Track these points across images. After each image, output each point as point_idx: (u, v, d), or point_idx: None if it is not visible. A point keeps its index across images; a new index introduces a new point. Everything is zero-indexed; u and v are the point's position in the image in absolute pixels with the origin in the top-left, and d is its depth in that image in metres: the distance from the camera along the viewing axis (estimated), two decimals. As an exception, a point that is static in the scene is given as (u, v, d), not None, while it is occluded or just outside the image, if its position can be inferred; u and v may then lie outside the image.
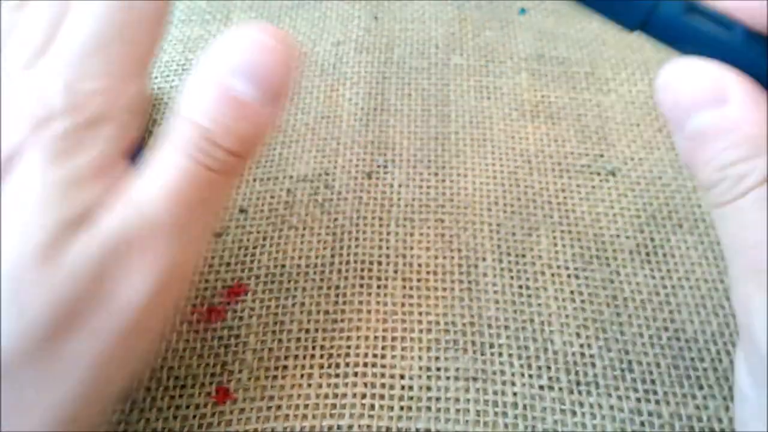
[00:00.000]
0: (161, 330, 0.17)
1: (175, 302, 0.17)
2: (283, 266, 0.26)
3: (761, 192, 0.15)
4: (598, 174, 0.29)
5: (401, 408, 0.22)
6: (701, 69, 0.16)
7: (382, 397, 0.22)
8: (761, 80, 0.16)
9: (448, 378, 0.23)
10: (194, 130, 0.16)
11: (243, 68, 0.16)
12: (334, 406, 0.22)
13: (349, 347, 0.23)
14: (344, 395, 0.22)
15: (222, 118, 0.16)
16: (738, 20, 0.17)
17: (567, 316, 0.24)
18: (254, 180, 0.29)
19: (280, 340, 0.24)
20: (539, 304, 0.25)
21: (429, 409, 0.22)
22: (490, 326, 0.24)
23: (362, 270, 0.26)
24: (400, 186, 0.29)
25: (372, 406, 0.22)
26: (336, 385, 0.22)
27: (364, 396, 0.22)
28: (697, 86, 0.16)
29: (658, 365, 0.23)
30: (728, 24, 0.17)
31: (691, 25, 0.17)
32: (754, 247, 0.15)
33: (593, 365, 0.23)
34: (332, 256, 0.26)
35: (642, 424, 0.22)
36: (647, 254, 0.26)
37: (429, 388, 0.22)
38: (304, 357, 0.23)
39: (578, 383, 0.23)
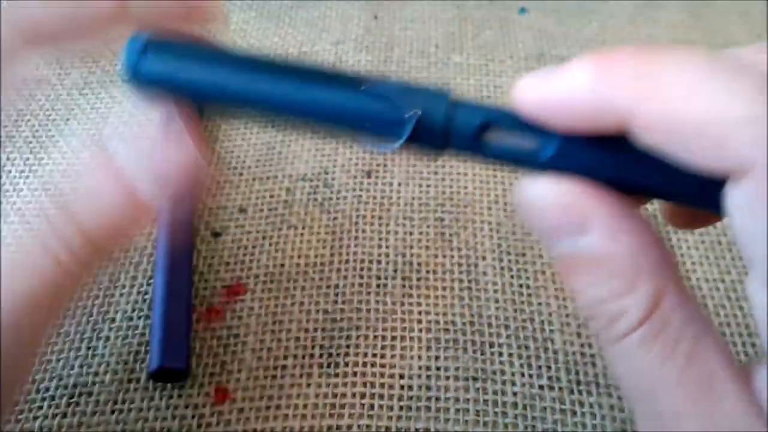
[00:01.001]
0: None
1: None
2: (282, 265, 0.26)
3: (641, 334, 0.13)
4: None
5: (401, 408, 0.22)
6: (556, 190, 0.13)
7: (381, 396, 0.22)
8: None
9: (447, 377, 0.23)
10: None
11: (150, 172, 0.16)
12: (333, 405, 0.22)
13: (348, 346, 0.23)
14: (344, 395, 0.22)
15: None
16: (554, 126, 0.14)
17: (567, 316, 0.24)
18: (253, 179, 0.29)
19: (279, 340, 0.24)
20: (539, 303, 0.25)
21: (429, 408, 0.22)
22: (490, 325, 0.24)
23: (361, 269, 0.26)
24: (399, 185, 0.29)
25: (371, 406, 0.22)
26: (335, 385, 0.22)
27: (363, 395, 0.22)
28: (553, 211, 0.13)
29: (658, 365, 0.23)
30: (537, 132, 0.14)
31: (490, 148, 0.15)
32: (642, 400, 0.13)
33: (593, 365, 0.23)
34: (331, 255, 0.26)
35: (643, 423, 0.22)
36: (648, 253, 0.26)
37: (429, 388, 0.22)
38: (303, 356, 0.23)
39: (578, 383, 0.23)
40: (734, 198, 0.12)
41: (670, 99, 0.12)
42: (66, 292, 0.16)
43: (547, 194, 0.14)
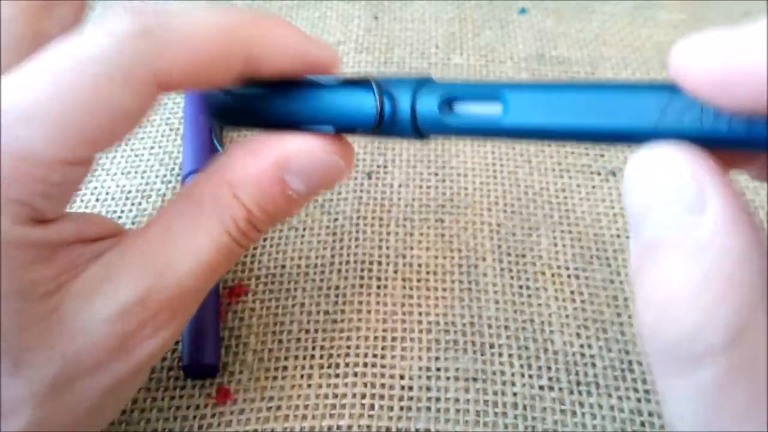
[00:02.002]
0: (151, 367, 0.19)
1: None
2: (283, 267, 0.26)
3: (718, 366, 0.10)
4: (599, 174, 0.29)
5: (401, 408, 0.22)
6: (678, 161, 0.12)
7: (381, 397, 0.22)
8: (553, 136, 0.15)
9: (447, 378, 0.23)
10: (242, 212, 0.17)
11: (305, 173, 0.17)
12: (333, 406, 0.22)
13: (348, 347, 0.23)
14: (344, 395, 0.22)
15: (271, 209, 0.18)
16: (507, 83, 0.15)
17: (567, 317, 0.24)
18: (254, 180, 0.29)
19: (280, 341, 0.24)
20: (539, 304, 0.25)
21: (429, 409, 0.22)
22: (490, 326, 0.24)
23: (362, 270, 0.26)
24: (400, 186, 0.29)
25: (372, 406, 0.22)
26: (336, 386, 0.22)
27: (363, 396, 0.22)
28: (670, 180, 0.12)
29: (658, 365, 0.23)
30: (496, 93, 0.15)
31: (455, 125, 0.16)
32: None
33: (593, 365, 0.23)
34: (332, 256, 0.26)
35: (642, 424, 0.22)
36: (647, 254, 0.26)
37: (429, 389, 0.22)
38: (304, 357, 0.23)
39: (578, 383, 0.23)
40: None
41: None
42: (228, 267, 0.18)
43: (674, 162, 0.12)
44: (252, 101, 0.18)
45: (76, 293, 0.16)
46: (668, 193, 0.11)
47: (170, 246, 0.17)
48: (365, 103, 0.16)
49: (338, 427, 0.21)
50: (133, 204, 0.28)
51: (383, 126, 0.17)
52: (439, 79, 0.17)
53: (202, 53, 0.15)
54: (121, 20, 0.15)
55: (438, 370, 0.23)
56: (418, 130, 0.16)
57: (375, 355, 0.23)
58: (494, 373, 0.23)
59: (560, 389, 0.22)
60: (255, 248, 0.26)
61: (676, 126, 0.13)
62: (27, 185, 0.14)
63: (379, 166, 0.29)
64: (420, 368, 0.23)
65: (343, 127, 0.17)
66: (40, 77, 0.14)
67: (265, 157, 0.17)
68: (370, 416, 0.22)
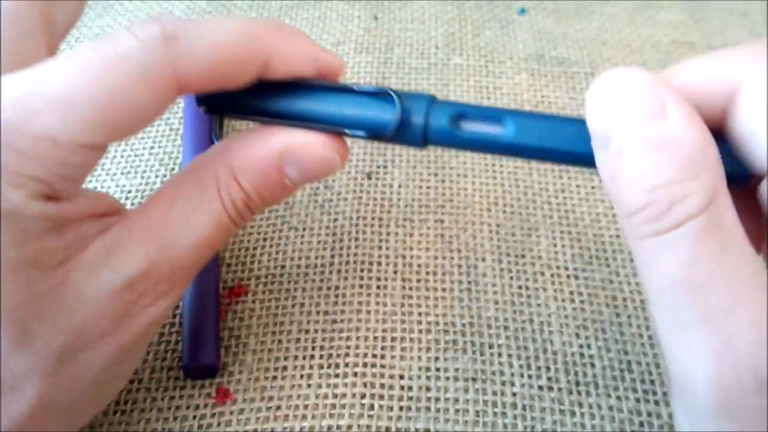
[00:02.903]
0: (149, 340, 0.20)
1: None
2: (283, 267, 0.26)
3: (701, 222, 0.13)
4: (598, 174, 0.29)
5: (400, 408, 0.22)
6: (639, 80, 0.15)
7: (381, 397, 0.22)
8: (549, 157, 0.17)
9: (447, 378, 0.23)
10: (240, 194, 0.19)
11: (302, 164, 0.19)
12: (333, 406, 0.22)
13: (348, 347, 0.23)
14: (344, 395, 0.22)
15: (266, 194, 0.19)
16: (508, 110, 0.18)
17: (566, 317, 0.24)
18: (254, 180, 0.29)
19: (279, 341, 0.24)
20: (539, 305, 0.25)
21: (428, 409, 0.22)
22: (489, 327, 0.24)
23: (362, 270, 0.26)
24: (399, 186, 0.29)
25: (371, 406, 0.22)
26: (335, 386, 0.22)
27: (363, 396, 0.22)
28: (633, 97, 0.14)
29: (657, 366, 0.23)
30: (498, 118, 0.18)
31: (464, 137, 0.18)
32: (693, 291, 0.13)
33: (592, 365, 0.23)
34: (332, 256, 0.26)
35: (641, 424, 0.22)
36: (647, 254, 0.26)
37: (428, 389, 0.22)
38: (304, 357, 0.23)
39: (577, 383, 0.23)
40: None
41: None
42: (222, 242, 0.19)
43: (635, 81, 0.15)
44: (265, 97, 0.19)
45: (83, 265, 0.16)
46: (633, 107, 0.14)
47: (173, 221, 0.18)
48: (387, 111, 0.18)
49: (338, 427, 0.21)
50: (132, 204, 0.28)
51: (398, 133, 0.18)
52: (443, 100, 0.19)
53: (222, 59, 0.17)
54: (149, 27, 0.16)
55: (437, 370, 0.23)
56: (426, 139, 0.18)
57: (375, 355, 0.23)
58: (493, 374, 0.23)
59: (559, 389, 0.23)
60: (255, 248, 0.26)
61: None
62: (46, 165, 0.15)
63: (379, 167, 0.29)
64: (419, 368, 0.23)
65: (359, 130, 0.19)
66: (70, 68, 0.15)
67: (268, 146, 0.18)
68: (370, 416, 0.22)
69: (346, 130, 0.19)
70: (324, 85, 0.19)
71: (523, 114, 0.18)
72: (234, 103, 0.19)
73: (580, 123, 0.17)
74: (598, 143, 0.15)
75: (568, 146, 0.17)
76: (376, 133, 0.18)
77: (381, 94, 0.18)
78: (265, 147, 0.19)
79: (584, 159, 0.17)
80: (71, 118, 0.15)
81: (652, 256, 0.14)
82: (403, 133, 0.18)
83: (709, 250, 0.13)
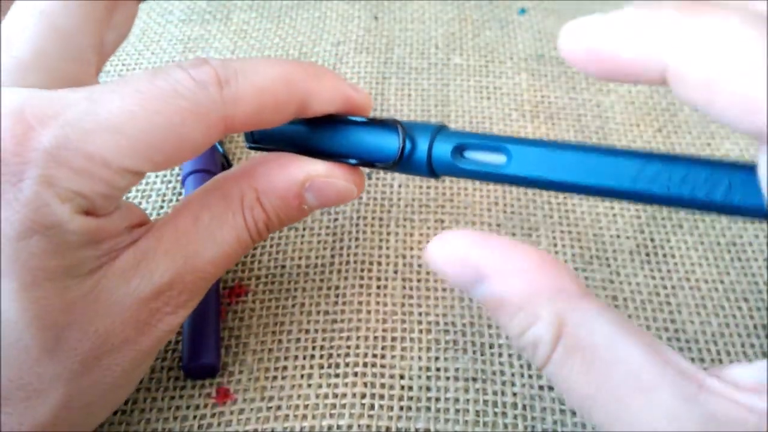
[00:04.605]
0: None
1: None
2: (283, 267, 0.26)
3: (558, 355, 0.14)
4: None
5: (401, 408, 0.22)
6: (455, 245, 0.16)
7: (381, 397, 0.22)
8: (557, 187, 0.17)
9: (447, 378, 0.23)
10: (262, 215, 0.20)
11: (321, 193, 0.20)
12: (333, 406, 0.22)
13: (348, 347, 0.23)
14: (344, 395, 0.22)
15: (284, 217, 0.20)
16: (511, 139, 0.18)
17: (567, 317, 0.24)
18: (254, 180, 0.29)
19: (280, 341, 0.24)
20: (539, 305, 0.25)
21: (428, 409, 0.22)
22: (489, 327, 0.24)
23: (362, 270, 0.26)
24: (400, 186, 0.29)
25: (372, 406, 0.22)
26: (336, 385, 0.22)
27: (363, 396, 0.22)
28: (456, 265, 0.15)
29: (657, 365, 0.23)
30: (501, 148, 0.18)
31: (467, 168, 0.18)
32: (589, 410, 0.14)
33: (593, 365, 0.23)
34: (332, 256, 0.26)
35: (641, 424, 0.22)
36: (647, 254, 0.26)
37: (428, 389, 0.22)
38: (304, 357, 0.23)
39: (578, 383, 0.23)
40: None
41: (704, 57, 0.12)
42: (239, 257, 0.20)
43: (446, 253, 0.16)
44: (290, 132, 0.21)
45: (114, 273, 0.17)
46: (456, 276, 0.16)
47: (200, 234, 0.19)
48: (389, 141, 0.19)
49: (338, 427, 0.21)
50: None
51: (401, 163, 0.19)
52: (453, 129, 0.19)
53: (265, 104, 0.18)
54: (203, 68, 0.17)
55: (438, 370, 0.23)
56: (432, 170, 0.19)
57: (375, 355, 0.23)
58: (494, 373, 0.23)
59: (560, 389, 0.23)
60: (255, 248, 0.26)
61: (646, 187, 0.16)
62: (93, 184, 0.16)
63: (379, 167, 0.29)
64: (420, 368, 0.23)
65: (365, 160, 0.20)
66: (126, 96, 0.16)
67: (293, 173, 0.20)
68: (370, 416, 0.22)
69: (352, 161, 0.20)
70: (340, 119, 0.20)
71: (526, 143, 0.17)
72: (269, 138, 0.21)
73: (592, 153, 0.16)
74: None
75: (576, 179, 0.17)
76: (377, 162, 0.20)
77: (387, 125, 0.19)
78: (290, 175, 0.20)
79: (593, 191, 0.17)
80: (124, 144, 0.16)
81: (551, 381, 0.15)
82: (406, 163, 0.19)
83: (576, 377, 0.14)
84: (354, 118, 0.20)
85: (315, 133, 0.21)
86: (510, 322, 0.15)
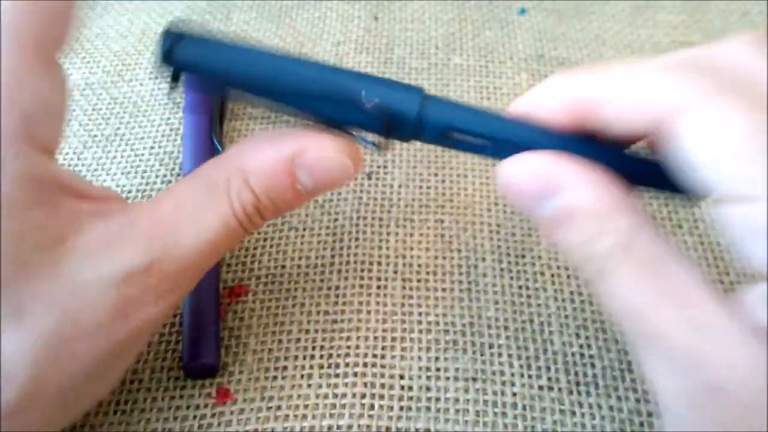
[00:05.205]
0: (149, 337, 0.20)
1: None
2: (284, 267, 0.26)
3: (627, 264, 0.15)
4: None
5: (401, 408, 0.22)
6: (532, 162, 0.16)
7: (381, 397, 0.22)
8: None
9: (447, 378, 0.23)
10: (250, 198, 0.18)
11: (314, 169, 0.19)
12: (333, 406, 0.22)
13: (348, 347, 0.23)
14: (344, 395, 0.22)
15: (277, 199, 0.19)
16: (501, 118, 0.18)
17: (566, 317, 0.24)
18: (254, 180, 0.29)
19: (280, 341, 0.24)
20: (539, 305, 0.25)
21: (428, 409, 0.22)
22: (489, 327, 0.24)
23: (362, 270, 0.26)
24: (400, 186, 0.29)
25: (371, 406, 0.22)
26: (336, 385, 0.22)
27: (363, 396, 0.22)
28: (531, 180, 0.16)
29: (657, 366, 0.23)
30: (484, 134, 0.18)
31: (453, 143, 0.18)
32: (639, 317, 0.15)
33: (593, 366, 0.23)
34: (332, 256, 0.26)
35: (641, 424, 0.22)
36: (647, 255, 0.26)
37: (428, 389, 0.22)
38: (304, 357, 0.23)
39: (578, 384, 0.23)
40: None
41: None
42: (228, 248, 0.19)
43: (522, 169, 0.16)
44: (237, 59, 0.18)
45: (80, 250, 0.16)
46: (532, 190, 0.16)
47: (180, 220, 0.18)
48: (408, 104, 0.18)
49: (338, 427, 0.21)
50: (133, 204, 0.28)
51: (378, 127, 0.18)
52: (431, 95, 0.18)
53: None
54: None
55: (438, 370, 0.23)
56: (408, 137, 0.18)
57: (375, 355, 0.23)
58: (494, 374, 0.23)
59: (559, 389, 0.23)
60: (255, 248, 0.26)
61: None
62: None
63: (379, 167, 0.29)
64: (420, 368, 0.23)
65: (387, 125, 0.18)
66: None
67: (280, 149, 0.18)
68: (370, 416, 0.22)
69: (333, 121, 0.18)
70: (317, 65, 0.18)
71: (508, 129, 0.18)
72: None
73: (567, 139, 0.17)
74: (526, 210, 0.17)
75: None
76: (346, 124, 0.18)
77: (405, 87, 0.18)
78: (277, 150, 0.18)
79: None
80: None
81: (604, 296, 0.16)
82: (393, 128, 0.18)
83: (638, 286, 0.15)
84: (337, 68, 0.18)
85: (272, 67, 0.17)
86: (579, 231, 0.15)
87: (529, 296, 0.25)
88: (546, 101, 0.17)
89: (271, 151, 0.18)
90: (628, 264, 0.15)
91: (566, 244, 0.16)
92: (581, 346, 0.24)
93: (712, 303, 0.14)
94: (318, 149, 0.18)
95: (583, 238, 0.15)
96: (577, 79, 0.17)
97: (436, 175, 0.29)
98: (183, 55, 0.17)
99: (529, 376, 0.23)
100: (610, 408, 0.22)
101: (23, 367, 0.16)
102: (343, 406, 0.22)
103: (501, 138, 0.18)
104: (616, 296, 0.15)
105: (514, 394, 0.22)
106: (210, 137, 0.28)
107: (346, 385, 0.23)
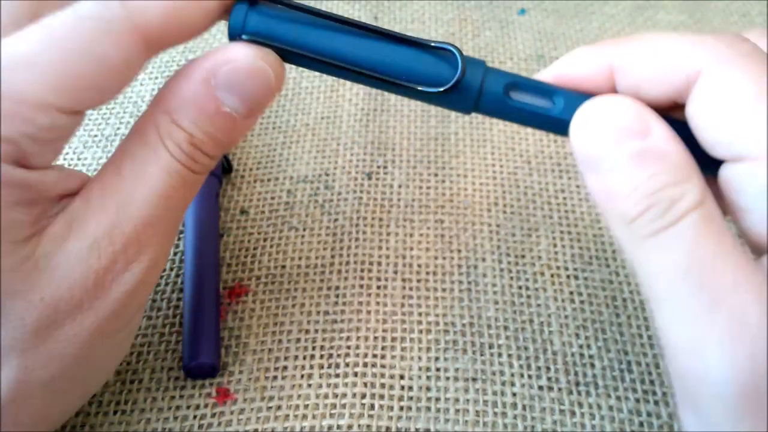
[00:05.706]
0: (139, 315, 0.20)
1: (151, 291, 0.20)
2: (284, 267, 0.26)
3: (700, 214, 0.15)
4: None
5: (401, 408, 0.22)
6: (621, 104, 0.17)
7: (381, 397, 0.22)
8: None
9: (447, 378, 0.23)
10: (181, 134, 0.18)
11: (232, 84, 0.18)
12: (333, 406, 0.22)
13: (348, 348, 0.23)
14: (344, 395, 0.22)
15: (210, 129, 0.18)
16: (560, 87, 0.18)
17: (566, 317, 0.24)
18: (255, 181, 0.29)
19: (279, 341, 0.24)
20: (538, 305, 0.25)
21: (428, 409, 0.22)
22: (489, 327, 0.24)
23: (362, 271, 0.26)
24: (400, 186, 0.29)
25: (372, 406, 0.22)
26: (336, 385, 0.23)
27: (363, 396, 0.22)
28: (619, 120, 0.16)
29: (657, 366, 0.23)
30: (550, 92, 0.18)
31: (514, 106, 0.18)
32: (701, 274, 0.15)
33: (592, 366, 0.23)
34: (332, 256, 0.26)
35: (641, 424, 0.22)
36: (647, 255, 0.26)
37: (428, 389, 0.22)
38: (304, 357, 0.23)
39: (577, 384, 0.23)
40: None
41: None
42: (186, 194, 0.19)
43: (618, 106, 0.16)
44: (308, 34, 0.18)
45: (49, 239, 0.17)
46: (621, 129, 0.16)
47: (126, 182, 0.18)
48: (439, 66, 0.18)
49: (338, 427, 0.21)
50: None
51: (453, 91, 0.18)
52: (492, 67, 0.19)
53: (179, 4, 0.17)
54: None
55: (437, 370, 0.23)
56: (477, 104, 0.18)
57: (375, 355, 0.23)
58: (493, 374, 0.23)
59: (559, 389, 0.23)
60: (255, 248, 0.26)
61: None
62: (15, 124, 0.15)
63: (379, 167, 0.29)
64: (420, 368, 0.23)
65: (408, 82, 0.18)
66: (36, 32, 0.16)
67: (194, 76, 0.18)
68: (370, 416, 0.22)
69: (402, 82, 0.18)
70: (382, 31, 0.18)
71: (572, 92, 0.18)
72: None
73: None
74: (587, 167, 0.17)
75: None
76: (431, 86, 0.18)
77: (443, 50, 0.18)
78: (191, 77, 0.18)
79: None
80: (38, 76, 0.15)
81: (657, 252, 0.15)
82: (457, 94, 0.18)
83: (708, 237, 0.15)
84: (405, 36, 0.18)
85: (342, 38, 0.18)
86: (660, 175, 0.15)
87: (529, 296, 0.25)
88: (579, 68, 0.18)
89: (186, 79, 0.18)
90: (702, 218, 0.15)
91: (641, 184, 0.16)
92: (581, 346, 0.24)
93: (750, 264, 0.15)
94: (228, 62, 0.17)
95: (663, 181, 0.15)
96: (603, 48, 0.18)
97: (435, 175, 0.29)
98: (254, 26, 0.18)
99: (529, 376, 0.23)
100: (610, 408, 0.22)
101: (10, 359, 0.16)
102: (343, 406, 0.22)
103: (563, 94, 0.18)
104: (681, 248, 0.15)
105: (514, 395, 0.22)
106: None
107: (346, 385, 0.23)
